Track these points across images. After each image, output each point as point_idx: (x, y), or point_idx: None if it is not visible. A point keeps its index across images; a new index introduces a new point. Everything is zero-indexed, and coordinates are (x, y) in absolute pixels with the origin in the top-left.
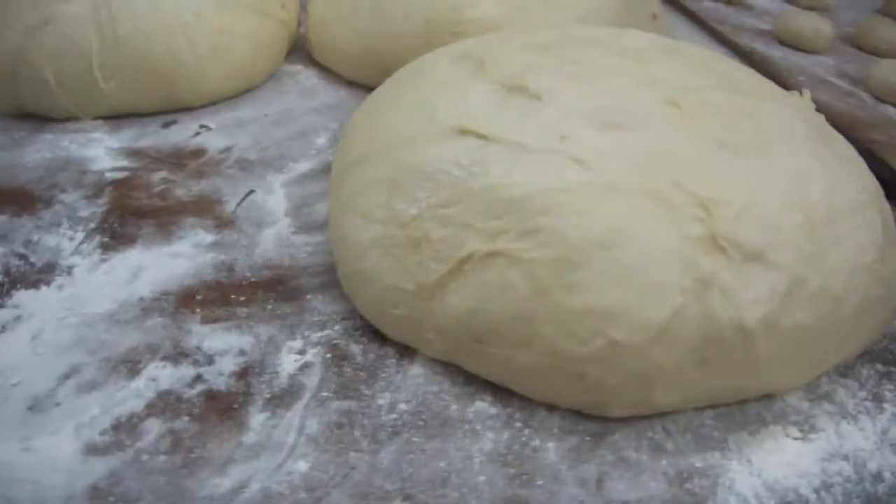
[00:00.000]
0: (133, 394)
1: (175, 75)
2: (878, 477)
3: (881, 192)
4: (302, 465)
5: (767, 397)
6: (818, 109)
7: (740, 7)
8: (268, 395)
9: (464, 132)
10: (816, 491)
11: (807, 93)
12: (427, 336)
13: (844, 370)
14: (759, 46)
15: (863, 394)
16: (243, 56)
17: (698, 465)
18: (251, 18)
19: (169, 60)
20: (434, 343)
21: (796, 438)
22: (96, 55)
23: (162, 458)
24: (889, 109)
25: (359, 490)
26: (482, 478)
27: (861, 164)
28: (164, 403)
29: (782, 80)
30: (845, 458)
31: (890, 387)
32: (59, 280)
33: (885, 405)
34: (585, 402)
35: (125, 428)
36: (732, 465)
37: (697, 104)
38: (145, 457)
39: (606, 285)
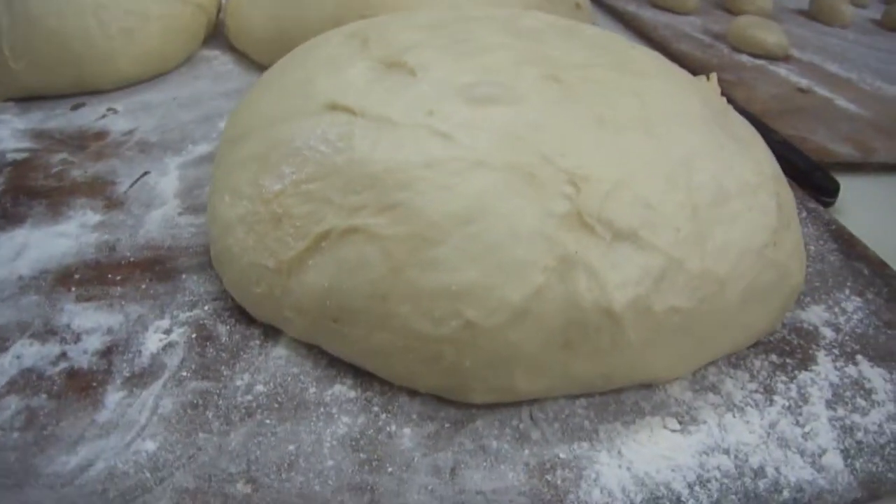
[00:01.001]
0: None
1: (85, 57)
2: (759, 472)
3: (781, 177)
4: (150, 445)
5: (647, 387)
6: (682, 60)
7: None
8: (127, 374)
9: (334, 107)
10: (690, 486)
11: (713, 76)
12: (286, 315)
13: (736, 361)
14: (633, 8)
15: (753, 385)
16: (155, 39)
17: (563, 455)
18: (166, 2)
19: (79, 41)
20: (294, 323)
21: (674, 430)
22: (6, 34)
23: (15, 434)
24: (743, 57)
25: (203, 472)
26: (330, 462)
27: (761, 147)
28: (25, 381)
29: (647, 35)
30: (726, 451)
31: (783, 379)
32: None
33: (776, 398)
34: (444, 387)
35: None
36: (601, 456)
37: (581, 81)
38: (1, 434)
39: (463, 263)
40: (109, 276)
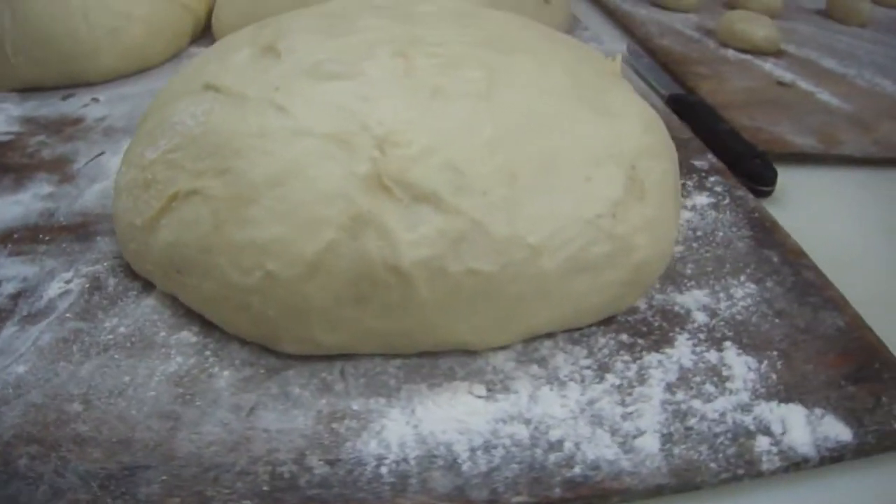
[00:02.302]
0: None
1: (74, 53)
2: (555, 446)
3: (654, 154)
4: (20, 369)
5: (469, 355)
6: (661, 54)
7: None
8: (25, 314)
9: (208, 87)
10: (473, 450)
11: (618, 57)
12: (149, 268)
13: (578, 337)
14: (629, 6)
15: (587, 362)
16: (139, 38)
17: (356, 408)
18: (152, 3)
19: (68, 39)
20: (154, 275)
21: (479, 397)
22: (8, 33)
23: None
24: (728, 52)
25: (52, 392)
26: (152, 393)
27: (634, 124)
28: None
29: (632, 31)
30: (526, 422)
31: (626, 359)
32: None
33: (608, 376)
34: (259, 335)
35: None
36: (393, 412)
37: (431, 57)
38: None
39: (270, 220)
40: (41, 236)
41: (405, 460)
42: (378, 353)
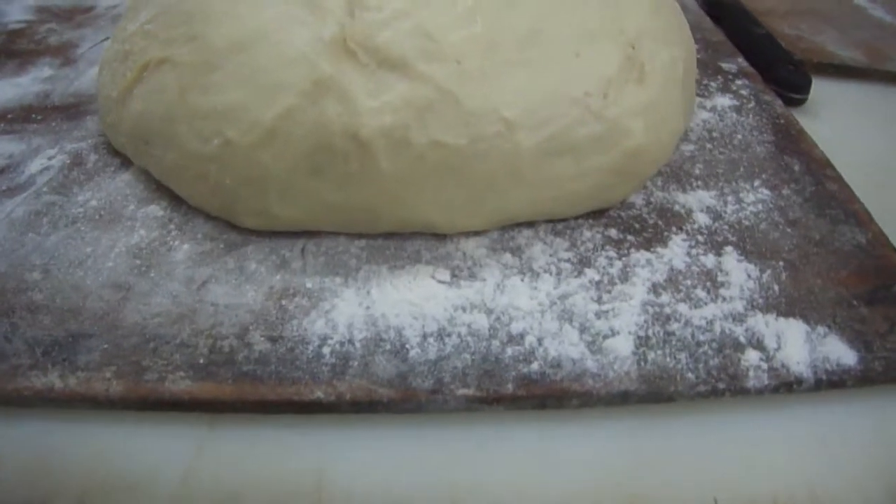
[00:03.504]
0: None
1: None
2: (516, 339)
3: (659, 33)
4: None
5: (439, 239)
6: None
7: None
8: (4, 188)
9: None
10: (425, 336)
11: None
12: (122, 140)
13: (562, 229)
14: None
15: (568, 255)
16: None
17: (309, 286)
18: None
19: None
20: (127, 147)
21: (442, 282)
22: None
23: None
24: None
25: (16, 261)
26: (110, 264)
27: (640, 8)
28: None
29: None
30: (488, 312)
31: (611, 254)
32: None
33: (587, 271)
34: (218, 207)
35: None
36: (346, 293)
37: None
38: None
39: (231, 86)
40: (33, 115)
41: (350, 342)
42: (342, 233)
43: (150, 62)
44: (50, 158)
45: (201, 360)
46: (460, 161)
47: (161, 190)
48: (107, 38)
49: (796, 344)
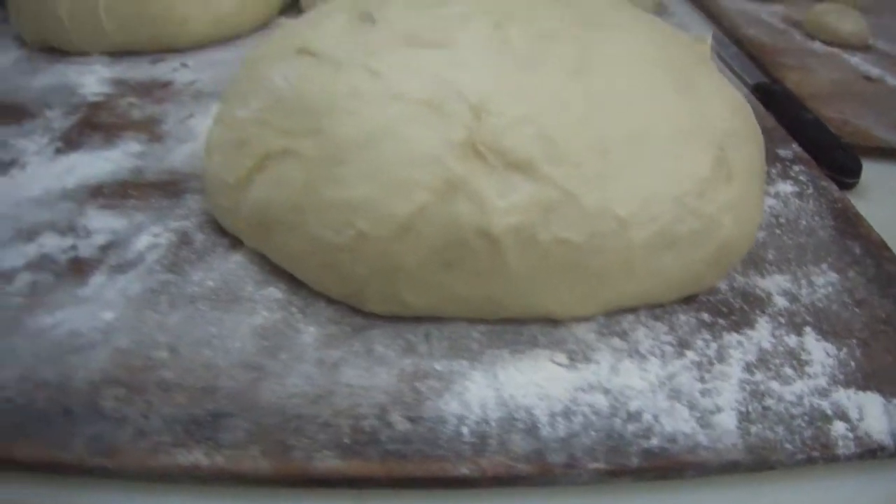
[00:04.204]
0: (21, 255)
1: (165, 19)
2: (634, 416)
3: (742, 135)
4: (108, 315)
5: (552, 324)
6: (747, 44)
7: None
8: (114, 264)
9: (301, 51)
10: (553, 416)
11: (709, 37)
12: (239, 226)
13: (660, 314)
14: None
15: (668, 338)
16: (230, 7)
17: (439, 368)
18: None
19: (160, 6)
20: (244, 232)
21: (561, 365)
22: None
23: (19, 299)
24: (816, 44)
25: (139, 338)
26: (238, 344)
27: (724, 104)
28: (40, 262)
29: (718, 19)
30: (606, 392)
31: (706, 337)
32: (14, 172)
33: (688, 353)
34: (348, 294)
35: (5, 276)
36: (475, 375)
37: (524, 30)
38: (6, 298)
39: (361, 180)
40: (130, 192)
41: (486, 421)
42: (462, 318)
43: (272, 152)
44: (156, 236)
45: (346, 440)
46: (579, 256)
47: (277, 272)
48: (191, 115)
49: (876, 415)
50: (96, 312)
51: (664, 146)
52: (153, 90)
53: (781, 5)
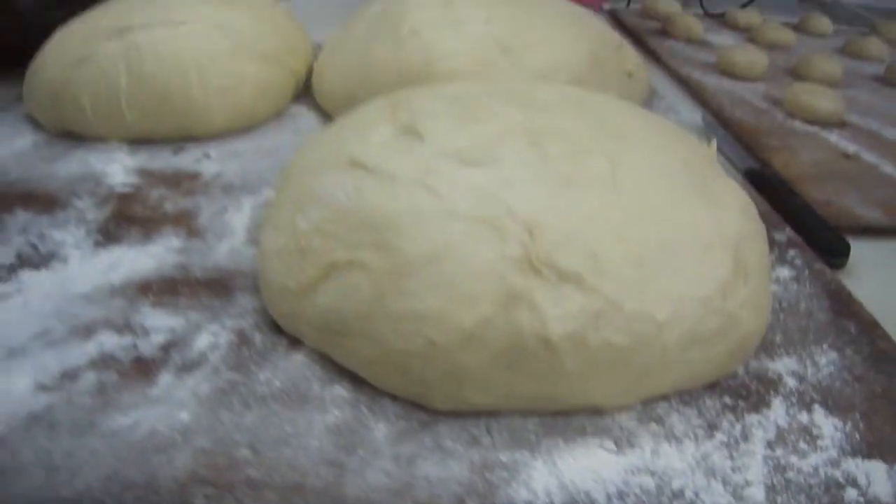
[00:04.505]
0: (82, 352)
1: (186, 110)
2: (678, 494)
3: (751, 237)
4: (184, 416)
5: (597, 413)
6: (735, 126)
7: (699, 44)
8: (179, 363)
9: (354, 164)
10: (609, 497)
11: (713, 143)
12: (303, 329)
13: (689, 399)
14: (698, 75)
15: (698, 422)
16: (248, 97)
17: (504, 459)
18: (259, 65)
19: (182, 97)
20: (309, 335)
21: (610, 451)
22: (123, 89)
23: (87, 399)
24: (796, 123)
25: (218, 438)
26: (316, 442)
27: (734, 209)
28: (103, 361)
29: (706, 101)
30: (652, 473)
31: (731, 419)
32: (55, 266)
33: (717, 434)
34: (414, 394)
35: (68, 376)
36: (537, 463)
37: (560, 146)
38: (76, 397)
39: (429, 293)
40: (180, 289)
41: None
42: (518, 411)
43: (337, 262)
44: (215, 335)
45: None
46: (623, 355)
47: (340, 371)
48: (225, 210)
49: (881, 480)
50: (171, 413)
51: (690, 253)
52: (181, 182)
53: (762, 83)
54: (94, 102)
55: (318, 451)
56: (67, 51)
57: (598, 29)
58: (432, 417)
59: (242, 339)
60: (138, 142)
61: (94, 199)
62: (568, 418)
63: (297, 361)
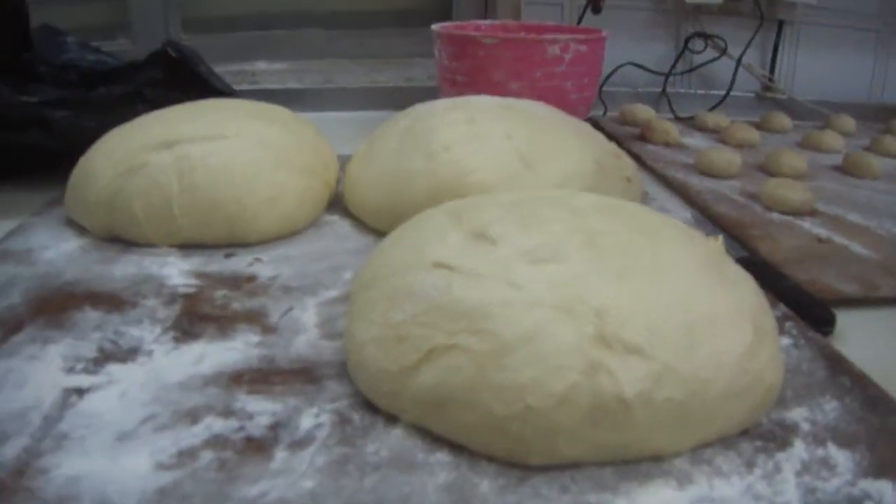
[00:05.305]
0: (193, 434)
1: (237, 217)
2: None
3: (762, 309)
4: (309, 484)
5: (657, 459)
6: (722, 220)
7: (676, 147)
8: (289, 441)
9: (438, 265)
10: None
11: (720, 238)
12: (404, 406)
13: (728, 443)
14: (682, 176)
15: (739, 460)
16: (291, 206)
17: (592, 500)
18: (299, 177)
19: (232, 205)
20: (410, 410)
21: (674, 489)
22: (175, 198)
23: (212, 473)
24: (773, 215)
25: (347, 500)
26: (434, 497)
27: (747, 287)
28: (216, 442)
29: (692, 199)
30: (713, 501)
31: (763, 457)
32: (141, 359)
33: (756, 469)
34: (513, 452)
35: (186, 454)
36: (619, 500)
37: (609, 244)
38: (200, 472)
39: (525, 366)
40: (271, 378)
41: None
42: (596, 462)
43: (438, 347)
44: (316, 416)
45: None
46: (680, 409)
47: (439, 441)
48: (292, 308)
49: (889, 494)
50: (296, 482)
51: (721, 323)
52: (240, 284)
53: (737, 180)
54: (147, 209)
55: None
56: (118, 160)
57: (598, 139)
58: (526, 473)
59: (342, 418)
60: (188, 247)
61: (160, 299)
62: (636, 466)
63: (397, 435)
